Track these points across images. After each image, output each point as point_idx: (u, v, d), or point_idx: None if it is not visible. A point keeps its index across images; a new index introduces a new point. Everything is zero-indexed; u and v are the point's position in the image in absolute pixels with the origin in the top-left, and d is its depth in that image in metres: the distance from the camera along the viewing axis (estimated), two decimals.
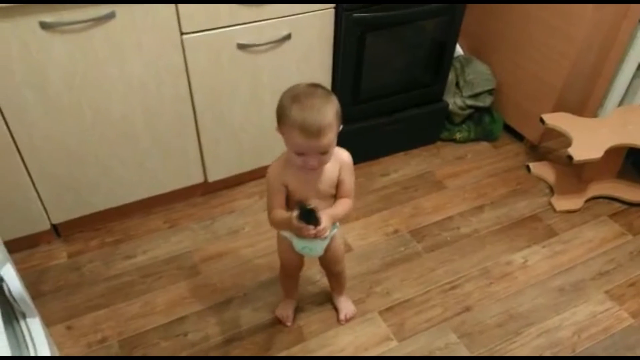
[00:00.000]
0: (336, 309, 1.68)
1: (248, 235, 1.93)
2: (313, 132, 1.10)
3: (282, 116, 1.15)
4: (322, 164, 1.20)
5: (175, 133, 1.80)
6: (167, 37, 1.58)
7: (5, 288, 1.08)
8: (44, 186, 1.70)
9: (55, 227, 1.86)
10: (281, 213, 1.27)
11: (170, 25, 1.56)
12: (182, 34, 1.59)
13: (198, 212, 2.02)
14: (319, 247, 1.40)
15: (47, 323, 1.59)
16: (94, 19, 1.44)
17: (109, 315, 1.66)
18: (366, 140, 2.21)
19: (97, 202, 1.84)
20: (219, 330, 1.62)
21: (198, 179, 1.98)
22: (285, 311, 1.65)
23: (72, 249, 1.86)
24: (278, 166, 1.27)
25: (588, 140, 1.95)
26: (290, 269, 1.55)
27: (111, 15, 1.46)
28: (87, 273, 1.78)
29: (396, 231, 1.97)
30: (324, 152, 1.16)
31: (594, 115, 2.35)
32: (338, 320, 1.66)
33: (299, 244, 1.38)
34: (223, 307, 1.69)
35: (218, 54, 1.68)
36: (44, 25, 1.40)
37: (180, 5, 1.53)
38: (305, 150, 1.14)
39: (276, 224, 1.32)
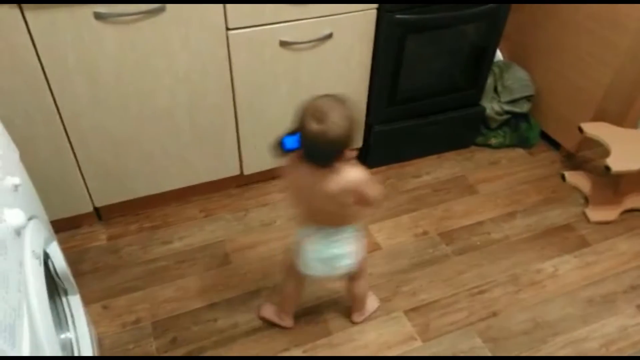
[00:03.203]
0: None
1: (279, 228, 1.97)
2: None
3: (355, 123, 1.16)
4: None
5: (215, 126, 1.85)
6: (213, 32, 1.63)
7: (50, 265, 1.15)
8: (89, 171, 1.77)
9: (97, 210, 1.94)
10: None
11: (217, 21, 1.61)
12: (227, 29, 1.64)
13: (233, 203, 2.07)
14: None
15: (85, 302, 1.66)
16: (144, 12, 1.50)
17: (144, 297, 1.72)
18: (400, 141, 2.22)
19: (138, 188, 1.91)
20: (248, 318, 1.67)
21: (234, 171, 2.03)
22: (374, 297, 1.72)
23: (112, 232, 1.94)
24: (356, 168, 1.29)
25: (627, 151, 1.92)
26: None
27: (161, 9, 1.51)
28: (125, 256, 1.85)
29: (425, 233, 1.98)
30: None
31: (635, 126, 2.31)
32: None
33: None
34: (253, 297, 1.73)
35: (261, 50, 1.72)
36: (98, 16, 1.46)
37: (228, 3, 1.58)
38: None
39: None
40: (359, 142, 2.19)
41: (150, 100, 1.69)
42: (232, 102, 1.81)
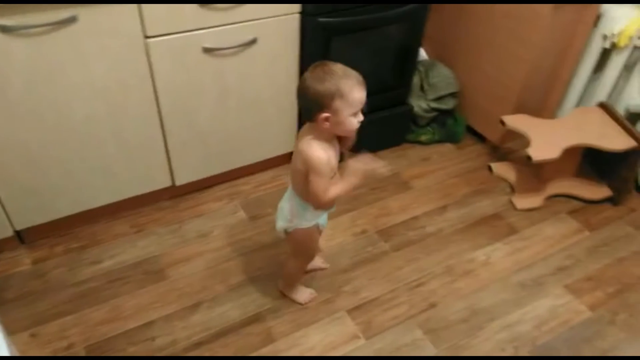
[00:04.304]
0: (315, 268, 1.84)
1: (217, 238, 1.94)
2: (363, 82, 1.26)
3: (337, 90, 1.22)
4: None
5: (141, 137, 1.79)
6: (131, 41, 1.58)
7: None
8: (5, 192, 1.67)
9: (18, 234, 1.83)
10: (341, 183, 1.34)
11: (134, 29, 1.56)
12: (146, 37, 1.59)
13: (165, 216, 2.01)
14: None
15: (11, 331, 1.57)
16: (55, 23, 1.43)
17: (75, 321, 1.64)
18: None
19: (62, 207, 1.81)
20: (187, 334, 1.62)
21: (165, 182, 1.97)
22: (306, 292, 1.74)
23: (37, 256, 1.83)
24: (323, 152, 1.30)
25: (546, 140, 2.02)
26: (314, 253, 1.68)
27: (73, 19, 1.45)
28: (52, 279, 1.76)
29: (364, 231, 2.00)
30: None
31: (553, 116, 2.44)
32: (323, 268, 1.84)
33: (324, 216, 1.54)
34: (191, 311, 1.69)
35: (184, 57, 1.69)
36: (4, 29, 1.38)
37: (144, 9, 1.53)
38: (362, 104, 1.27)
39: (337, 196, 1.34)
40: (292, 146, 2.18)
41: (68, 114, 1.62)
42: (157, 112, 1.76)
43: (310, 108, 1.26)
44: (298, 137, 1.37)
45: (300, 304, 1.72)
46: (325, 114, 1.25)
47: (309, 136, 1.32)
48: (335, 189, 1.32)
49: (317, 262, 1.83)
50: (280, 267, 1.83)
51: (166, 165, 1.92)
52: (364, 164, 1.34)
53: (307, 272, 1.80)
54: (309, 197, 1.37)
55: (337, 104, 1.23)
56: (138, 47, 1.60)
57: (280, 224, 1.51)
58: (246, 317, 1.68)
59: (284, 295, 1.74)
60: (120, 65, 1.60)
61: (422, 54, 2.47)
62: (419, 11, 2.05)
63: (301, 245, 1.57)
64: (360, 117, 1.30)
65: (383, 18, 1.98)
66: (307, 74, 1.26)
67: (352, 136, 1.39)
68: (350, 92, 1.22)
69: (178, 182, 1.99)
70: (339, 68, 1.25)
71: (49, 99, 1.56)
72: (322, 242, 1.94)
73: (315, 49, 1.90)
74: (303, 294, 1.73)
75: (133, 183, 1.90)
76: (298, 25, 1.84)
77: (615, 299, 1.80)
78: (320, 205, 1.36)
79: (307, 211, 1.45)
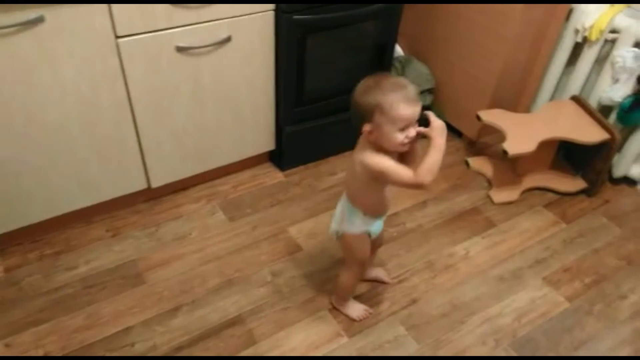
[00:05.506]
0: (377, 279, 1.81)
1: (195, 240, 1.91)
2: (413, 98, 1.21)
3: (377, 105, 1.21)
4: (416, 134, 1.26)
5: (114, 139, 1.76)
6: (101, 41, 1.54)
7: None
8: None
9: None
10: (429, 154, 1.24)
11: (104, 28, 1.52)
12: (117, 37, 1.56)
13: (142, 219, 1.97)
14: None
15: None
16: (21, 24, 1.39)
17: (51, 329, 1.60)
18: (313, 140, 2.23)
19: (34, 213, 1.77)
20: (167, 338, 1.60)
21: (141, 185, 1.94)
22: (361, 308, 1.70)
23: (9, 263, 1.78)
24: (376, 152, 1.28)
25: (521, 134, 2.05)
26: (367, 262, 1.62)
27: (40, 20, 1.41)
28: (26, 287, 1.71)
29: None
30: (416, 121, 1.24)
31: (527, 110, 2.47)
32: (385, 283, 1.80)
33: (377, 224, 1.50)
34: (171, 315, 1.66)
35: (156, 57, 1.66)
36: None
37: (114, 8, 1.50)
38: (410, 120, 1.22)
39: (437, 163, 1.24)
40: (271, 145, 2.17)
41: (37, 117, 1.57)
42: (130, 113, 1.73)
43: (355, 118, 1.26)
44: (355, 148, 1.36)
45: (354, 320, 1.68)
46: (367, 127, 1.25)
47: (363, 146, 1.31)
48: (428, 162, 1.23)
49: (379, 272, 1.81)
50: (260, 267, 1.82)
51: (141, 167, 1.89)
52: (436, 120, 1.26)
53: (366, 281, 1.78)
54: (358, 203, 1.41)
55: (378, 118, 1.22)
56: (109, 48, 1.56)
57: (333, 226, 1.51)
58: (227, 319, 1.66)
59: (337, 311, 1.70)
60: (90, 66, 1.57)
61: (398, 50, 2.47)
62: (394, 8, 2.05)
63: (350, 252, 1.53)
64: (412, 133, 1.24)
65: (357, 15, 1.97)
66: (359, 84, 1.26)
67: (412, 150, 1.30)
68: (391, 108, 1.19)
69: (154, 184, 1.96)
70: (389, 82, 1.22)
71: (18, 103, 1.52)
72: (304, 241, 1.93)
73: (290, 46, 1.89)
74: (357, 309, 1.69)
75: (107, 186, 1.86)
76: (273, 23, 1.82)
77: (592, 289, 1.83)
78: (426, 185, 1.25)
79: (356, 217, 1.43)
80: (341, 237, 1.50)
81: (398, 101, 1.19)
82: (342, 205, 1.47)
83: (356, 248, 1.51)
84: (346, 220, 1.46)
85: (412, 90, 1.22)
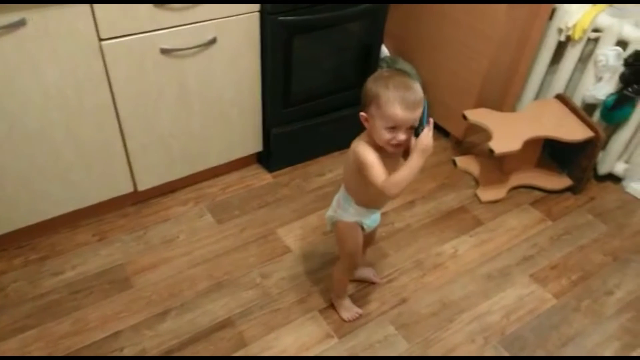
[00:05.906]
0: (366, 279, 1.81)
1: (183, 243, 1.90)
2: (412, 103, 1.19)
3: (375, 96, 1.22)
4: (407, 140, 1.25)
5: (100, 142, 1.74)
6: (84, 44, 1.52)
7: None
8: None
9: None
10: (404, 167, 1.22)
11: (87, 31, 1.51)
12: (100, 40, 1.54)
13: (129, 222, 1.96)
14: (379, 216, 1.55)
15: None
16: (2, 27, 1.37)
17: (38, 335, 1.58)
18: (300, 141, 2.22)
19: (19, 218, 1.74)
20: (156, 342, 1.58)
21: (127, 188, 1.92)
22: (352, 310, 1.70)
23: None
24: (371, 151, 1.28)
25: (507, 133, 2.06)
26: (359, 255, 1.59)
27: (22, 23, 1.39)
28: (11, 293, 1.69)
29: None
30: (412, 127, 1.23)
31: (513, 109, 2.49)
32: (374, 283, 1.80)
33: (372, 219, 1.50)
34: (160, 319, 1.65)
35: (141, 59, 1.64)
36: None
37: (97, 11, 1.48)
38: (401, 123, 1.21)
39: (405, 180, 1.23)
40: (258, 146, 2.17)
41: (20, 121, 1.55)
42: (115, 116, 1.71)
43: (361, 103, 1.28)
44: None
45: (344, 320, 1.68)
46: (363, 115, 1.27)
47: (363, 136, 1.33)
48: (398, 175, 1.22)
49: (369, 272, 1.81)
50: (250, 269, 1.82)
51: (127, 171, 1.87)
52: (426, 139, 1.21)
53: (356, 281, 1.79)
54: (351, 191, 1.43)
55: (373, 110, 1.23)
56: (92, 50, 1.55)
57: (329, 212, 1.53)
58: (216, 322, 1.65)
59: (333, 309, 1.71)
60: (74, 69, 1.55)
61: (384, 50, 2.48)
62: (379, 8, 2.06)
63: (342, 242, 1.53)
64: (400, 137, 1.22)
65: (343, 16, 1.97)
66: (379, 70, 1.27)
67: (409, 151, 1.26)
68: (386, 104, 1.19)
69: (141, 187, 1.94)
70: (398, 79, 1.22)
71: (0, 108, 1.50)
72: (293, 242, 1.93)
73: (276, 47, 1.88)
74: (348, 311, 1.69)
75: (93, 190, 1.84)
76: (258, 25, 1.82)
77: (579, 286, 1.85)
78: (390, 195, 1.26)
79: (349, 205, 1.45)
80: (335, 226, 1.51)
81: (394, 100, 1.19)
82: (339, 192, 1.49)
83: (347, 237, 1.50)
84: (341, 208, 1.47)
85: (414, 95, 1.20)
